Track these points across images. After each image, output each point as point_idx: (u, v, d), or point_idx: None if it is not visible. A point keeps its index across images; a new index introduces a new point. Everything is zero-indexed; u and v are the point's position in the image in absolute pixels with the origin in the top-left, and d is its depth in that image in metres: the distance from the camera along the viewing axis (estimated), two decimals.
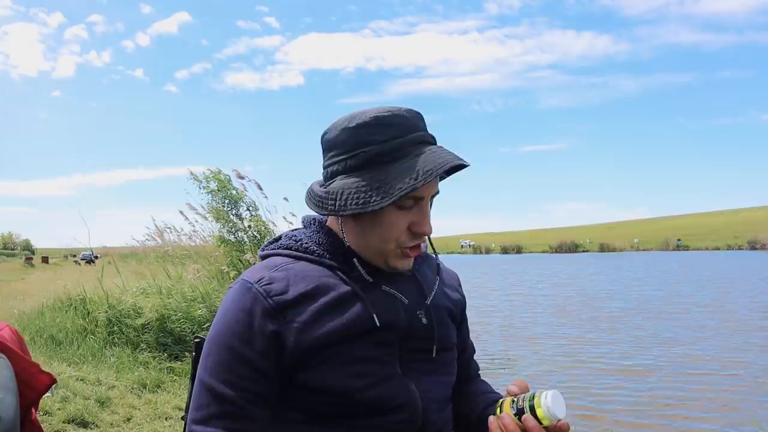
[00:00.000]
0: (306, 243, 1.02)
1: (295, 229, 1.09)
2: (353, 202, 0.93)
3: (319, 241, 1.02)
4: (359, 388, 0.92)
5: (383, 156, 0.94)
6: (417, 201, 0.95)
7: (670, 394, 6.42)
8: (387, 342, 0.96)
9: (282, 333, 0.91)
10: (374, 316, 0.94)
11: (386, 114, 0.96)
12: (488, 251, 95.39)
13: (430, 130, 1.02)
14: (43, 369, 1.13)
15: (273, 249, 1.05)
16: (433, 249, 1.15)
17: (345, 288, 0.96)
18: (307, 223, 1.07)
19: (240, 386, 0.91)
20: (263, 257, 1.05)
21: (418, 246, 0.99)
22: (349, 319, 0.93)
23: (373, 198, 0.91)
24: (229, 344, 0.92)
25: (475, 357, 1.25)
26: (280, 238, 1.08)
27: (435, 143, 0.99)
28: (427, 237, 1.01)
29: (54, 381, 1.14)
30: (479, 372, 1.25)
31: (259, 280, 0.95)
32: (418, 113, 1.00)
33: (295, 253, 1.01)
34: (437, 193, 1.00)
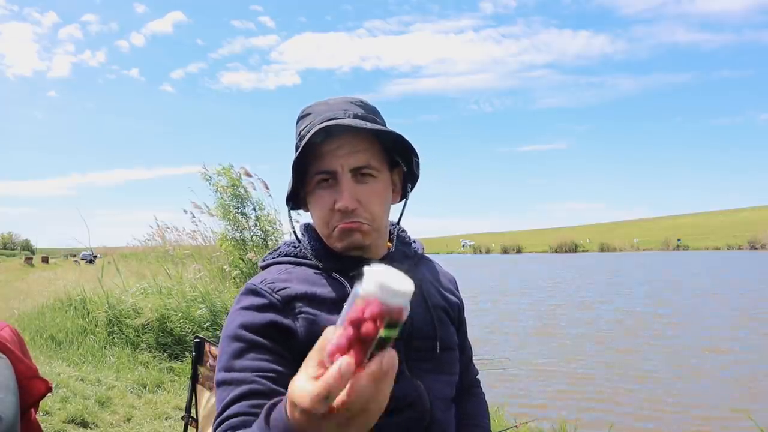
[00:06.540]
0: (304, 250, 1.05)
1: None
2: (287, 192, 1.02)
3: (314, 246, 1.04)
4: None
5: (299, 141, 1.01)
6: (333, 175, 0.96)
7: None
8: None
9: (292, 322, 0.93)
10: None
11: (310, 105, 1.04)
12: (488, 251, 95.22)
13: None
14: (40, 375, 1.13)
15: (272, 258, 1.08)
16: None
17: (345, 291, 0.97)
18: (304, 230, 1.09)
19: (253, 367, 0.88)
20: (263, 267, 1.07)
21: (352, 223, 0.97)
22: None
23: (291, 181, 1.00)
24: (237, 335, 0.92)
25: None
26: (280, 248, 1.10)
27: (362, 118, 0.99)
28: (355, 215, 0.96)
29: (50, 390, 1.14)
30: (478, 376, 1.26)
31: (262, 281, 0.98)
32: (360, 104, 1.02)
33: (294, 259, 1.04)
34: (367, 167, 0.96)
